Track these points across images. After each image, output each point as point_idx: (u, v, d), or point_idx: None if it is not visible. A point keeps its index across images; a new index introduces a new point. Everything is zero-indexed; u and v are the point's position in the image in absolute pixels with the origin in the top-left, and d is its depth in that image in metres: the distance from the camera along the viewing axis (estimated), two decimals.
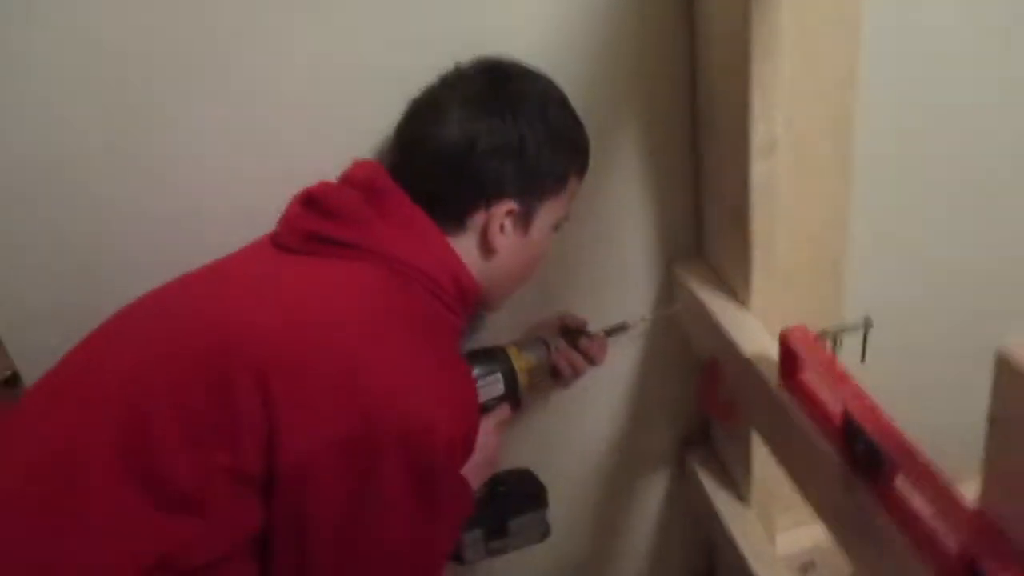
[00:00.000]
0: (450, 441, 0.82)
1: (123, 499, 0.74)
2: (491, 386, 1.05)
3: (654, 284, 1.24)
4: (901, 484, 0.73)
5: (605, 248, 1.20)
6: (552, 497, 1.18)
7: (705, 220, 1.18)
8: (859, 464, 0.77)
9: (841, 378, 0.80)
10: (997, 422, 0.58)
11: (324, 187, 0.94)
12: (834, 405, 0.82)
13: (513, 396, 1.09)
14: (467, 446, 0.89)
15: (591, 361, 1.14)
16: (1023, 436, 0.56)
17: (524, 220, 0.97)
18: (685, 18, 1.05)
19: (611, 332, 1.17)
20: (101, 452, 0.76)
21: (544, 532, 1.15)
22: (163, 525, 0.74)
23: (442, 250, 0.93)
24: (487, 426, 1.04)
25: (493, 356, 1.07)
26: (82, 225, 1.01)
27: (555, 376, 1.14)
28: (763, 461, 1.20)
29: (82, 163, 0.98)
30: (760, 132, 0.93)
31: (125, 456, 0.75)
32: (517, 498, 1.12)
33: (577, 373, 1.14)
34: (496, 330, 1.19)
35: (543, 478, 1.18)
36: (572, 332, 1.14)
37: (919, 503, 0.71)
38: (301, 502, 0.77)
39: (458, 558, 1.07)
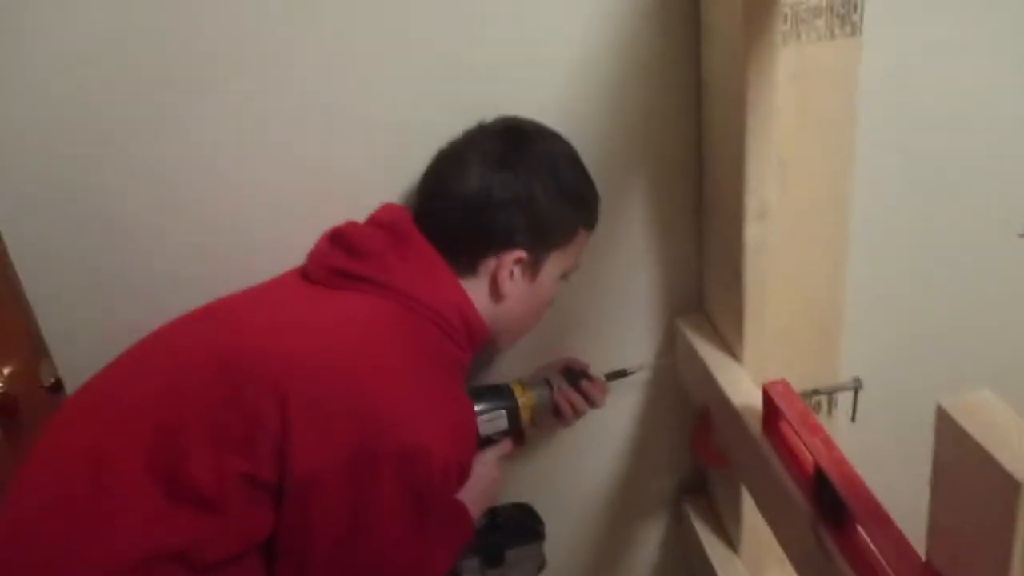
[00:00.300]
0: (445, 466, 0.89)
1: (149, 498, 0.82)
2: (495, 421, 1.12)
3: (656, 335, 1.30)
4: (862, 533, 0.78)
5: (612, 298, 1.26)
6: (549, 537, 1.22)
7: (705, 277, 1.24)
8: (826, 512, 0.81)
9: (814, 429, 0.85)
10: (939, 472, 0.63)
11: (351, 227, 1.03)
12: (808, 456, 0.87)
13: (516, 431, 1.15)
14: (462, 472, 0.97)
15: (591, 403, 1.19)
16: (960, 487, 0.61)
17: (532, 268, 1.04)
18: (694, 82, 1.12)
19: (612, 377, 1.23)
20: (132, 457, 0.84)
21: (540, 565, 1.19)
22: (184, 522, 0.82)
23: (454, 292, 1.00)
24: (489, 458, 1.11)
25: (498, 393, 1.14)
26: (125, 251, 1.10)
27: (557, 415, 1.19)
28: (753, 510, 1.23)
29: (124, 191, 1.07)
30: (754, 197, 1.00)
31: (153, 461, 0.83)
32: (516, 529, 1.17)
33: (577, 413, 1.19)
34: (503, 369, 1.25)
35: (542, 515, 1.22)
36: (575, 374, 1.19)
37: (876, 552, 0.76)
38: (306, 511, 0.85)
39: None
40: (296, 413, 0.83)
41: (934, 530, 0.66)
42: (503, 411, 1.11)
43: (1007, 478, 0.54)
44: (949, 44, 1.16)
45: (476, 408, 1.08)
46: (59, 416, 0.94)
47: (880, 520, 0.73)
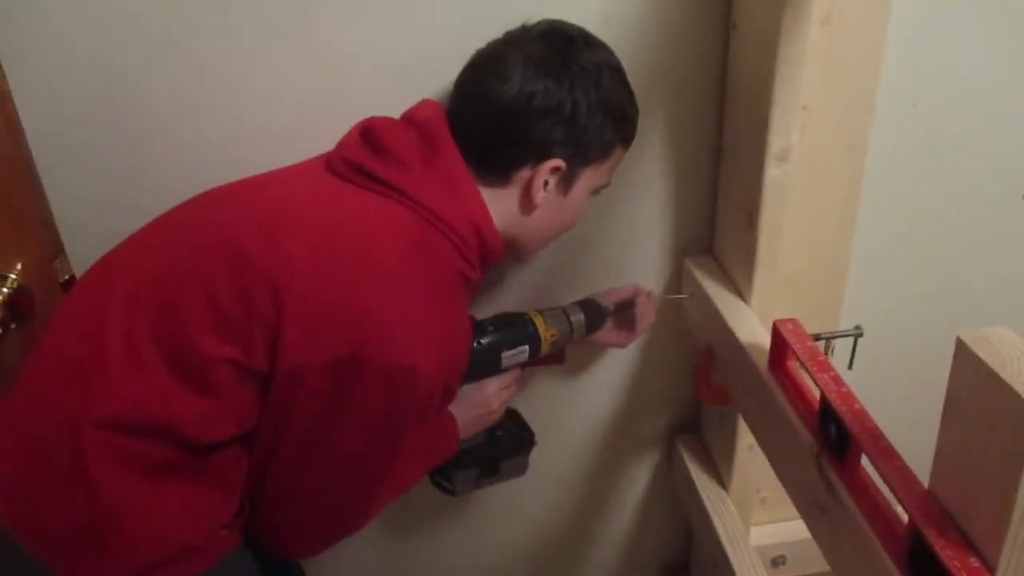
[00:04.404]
0: (430, 388, 0.90)
1: (149, 368, 0.85)
2: (518, 355, 1.12)
3: (664, 275, 1.32)
4: (865, 465, 0.81)
5: (624, 236, 1.28)
6: (545, 468, 1.25)
7: (718, 219, 1.26)
8: (830, 444, 0.85)
9: (823, 366, 0.87)
10: (951, 403, 0.65)
11: (384, 123, 0.99)
12: (813, 392, 0.90)
13: (557, 353, 1.20)
14: (447, 393, 0.97)
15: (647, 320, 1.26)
16: (973, 417, 0.63)
17: (566, 181, 1.01)
18: (723, 22, 1.13)
19: (621, 308, 1.25)
20: (139, 327, 0.87)
21: (525, 469, 1.24)
22: (180, 398, 0.85)
23: (473, 207, 0.97)
24: (491, 390, 1.12)
25: (523, 326, 1.13)
26: (145, 155, 1.11)
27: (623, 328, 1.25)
28: (746, 451, 1.27)
29: (149, 98, 1.08)
30: (777, 139, 1.01)
31: (157, 333, 0.86)
32: (513, 442, 1.20)
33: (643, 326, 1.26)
34: (512, 301, 1.27)
35: (540, 449, 1.25)
36: (594, 307, 1.21)
37: (879, 483, 0.79)
38: (286, 401, 0.87)
39: (450, 491, 1.16)
40: (289, 308, 0.84)
41: (940, 460, 0.69)
42: (527, 348, 1.12)
43: (1021, 404, 0.57)
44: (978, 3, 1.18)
45: (501, 340, 1.10)
46: (75, 287, 0.97)
47: (885, 451, 0.76)
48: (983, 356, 0.61)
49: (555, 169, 0.99)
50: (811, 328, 1.19)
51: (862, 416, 0.80)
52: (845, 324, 1.22)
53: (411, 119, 1.00)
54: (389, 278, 0.88)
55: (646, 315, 1.25)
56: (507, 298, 1.28)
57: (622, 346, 1.29)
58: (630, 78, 1.05)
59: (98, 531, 0.84)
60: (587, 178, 1.03)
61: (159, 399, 0.85)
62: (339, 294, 0.86)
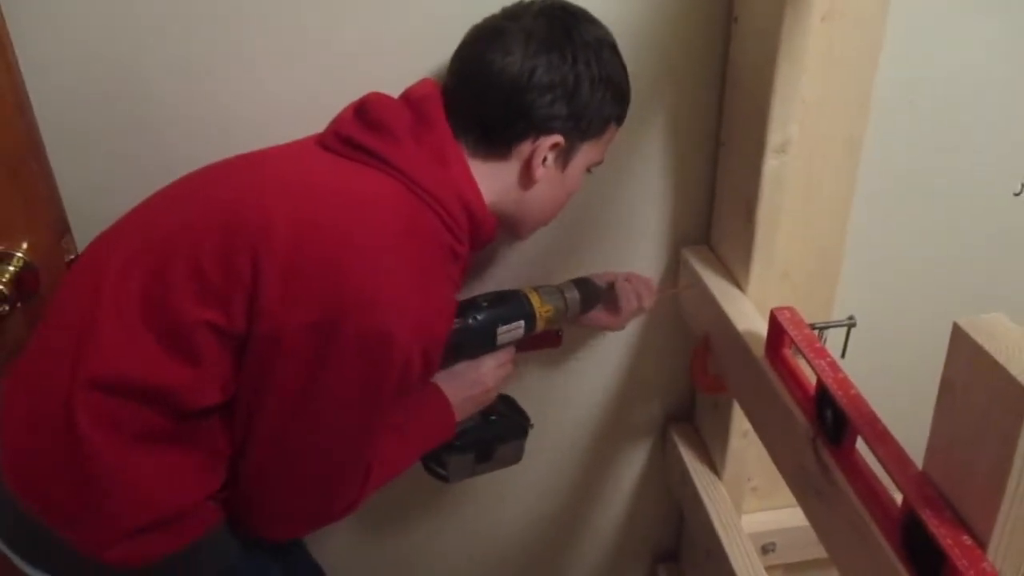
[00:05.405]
0: (408, 357, 0.89)
1: (135, 332, 0.87)
2: (514, 331, 1.12)
3: (660, 264, 1.34)
4: (860, 448, 0.83)
5: (621, 225, 1.30)
6: (539, 455, 1.25)
7: (715, 210, 1.28)
8: (826, 429, 0.87)
9: (820, 352, 0.89)
10: (946, 386, 0.68)
11: (377, 99, 1.00)
12: (810, 378, 0.92)
13: (554, 334, 1.21)
14: (427, 364, 0.94)
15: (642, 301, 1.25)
16: (968, 400, 0.66)
17: (565, 156, 1.02)
18: (725, 16, 1.15)
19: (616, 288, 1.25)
20: (131, 293, 0.89)
21: (520, 455, 1.24)
22: (164, 361, 0.87)
23: (461, 182, 0.98)
24: (486, 368, 1.12)
25: (519, 302, 1.13)
26: (152, 138, 1.13)
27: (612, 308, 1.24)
28: (740, 439, 1.30)
29: (156, 81, 1.09)
30: (776, 131, 1.03)
31: (147, 298, 0.88)
32: (508, 428, 1.20)
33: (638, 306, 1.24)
34: (510, 281, 1.28)
35: (534, 436, 1.25)
36: (589, 286, 1.21)
37: (874, 465, 0.81)
38: (263, 365, 0.87)
39: (444, 477, 1.15)
40: (267, 269, 0.85)
41: (934, 442, 0.72)
42: (522, 324, 1.12)
43: (1016, 388, 0.59)
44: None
45: (496, 316, 1.10)
46: (83, 254, 0.99)
47: (881, 434, 0.78)
48: (979, 340, 0.63)
49: (555, 145, 1.00)
50: (805, 318, 1.21)
51: (858, 401, 0.82)
52: (838, 315, 1.25)
53: (407, 96, 1.01)
54: (370, 243, 0.88)
55: (642, 295, 1.24)
56: (504, 285, 1.28)
57: (616, 328, 1.30)
58: (631, 68, 1.06)
59: (91, 493, 0.86)
60: (584, 154, 1.04)
61: (144, 363, 0.86)
62: (317, 256, 0.86)
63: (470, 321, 1.08)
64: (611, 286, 1.24)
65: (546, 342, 1.24)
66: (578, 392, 1.46)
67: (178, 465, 0.90)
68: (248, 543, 0.98)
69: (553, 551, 1.66)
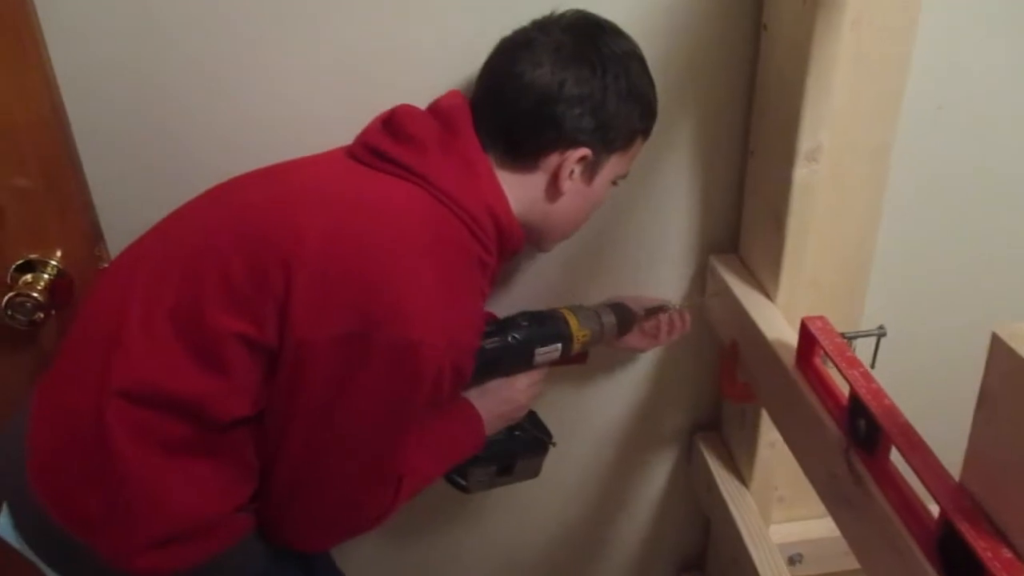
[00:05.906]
0: (439, 370, 0.89)
1: (164, 342, 0.88)
2: (550, 353, 1.13)
3: (689, 272, 1.34)
4: (894, 458, 0.82)
5: (650, 233, 1.30)
6: (565, 463, 1.25)
7: (744, 218, 1.27)
8: (859, 439, 0.86)
9: (852, 362, 0.89)
10: (985, 398, 0.67)
11: (405, 111, 1.00)
12: (842, 387, 0.91)
13: (580, 353, 1.20)
14: (458, 376, 0.95)
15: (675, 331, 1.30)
16: (1007, 410, 0.65)
17: (592, 169, 1.03)
18: (753, 24, 1.15)
19: (650, 312, 1.27)
20: (160, 302, 0.89)
21: (538, 471, 1.24)
22: (193, 373, 0.87)
23: (489, 192, 0.98)
24: (521, 386, 1.13)
25: (557, 323, 1.14)
26: (181, 147, 1.14)
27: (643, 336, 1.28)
28: (767, 449, 1.29)
29: (187, 93, 1.11)
30: (806, 139, 1.03)
31: (175, 310, 0.89)
32: (531, 444, 1.20)
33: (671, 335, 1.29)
34: (542, 297, 1.29)
35: (561, 445, 1.26)
36: (624, 311, 1.22)
37: (908, 476, 0.80)
38: (295, 375, 0.87)
39: (463, 487, 1.16)
40: (299, 279, 0.85)
41: (972, 453, 0.70)
42: (559, 345, 1.13)
43: None
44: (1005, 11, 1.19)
45: (535, 336, 1.10)
46: (107, 268, 1.00)
47: (916, 445, 0.78)
48: (1019, 349, 0.62)
49: (583, 157, 1.00)
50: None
51: (892, 411, 0.82)
52: (867, 325, 1.24)
53: (435, 108, 1.02)
54: (399, 253, 0.89)
55: (675, 328, 1.28)
56: (533, 294, 1.29)
57: (643, 350, 1.32)
58: (659, 77, 1.07)
59: (119, 502, 0.87)
60: (610, 167, 1.05)
61: (173, 374, 0.87)
62: (348, 266, 0.87)
63: (509, 339, 1.09)
64: (651, 311, 1.26)
65: (574, 359, 1.24)
66: (604, 400, 1.46)
67: (207, 476, 0.90)
68: (275, 553, 0.98)
69: (578, 559, 1.65)
